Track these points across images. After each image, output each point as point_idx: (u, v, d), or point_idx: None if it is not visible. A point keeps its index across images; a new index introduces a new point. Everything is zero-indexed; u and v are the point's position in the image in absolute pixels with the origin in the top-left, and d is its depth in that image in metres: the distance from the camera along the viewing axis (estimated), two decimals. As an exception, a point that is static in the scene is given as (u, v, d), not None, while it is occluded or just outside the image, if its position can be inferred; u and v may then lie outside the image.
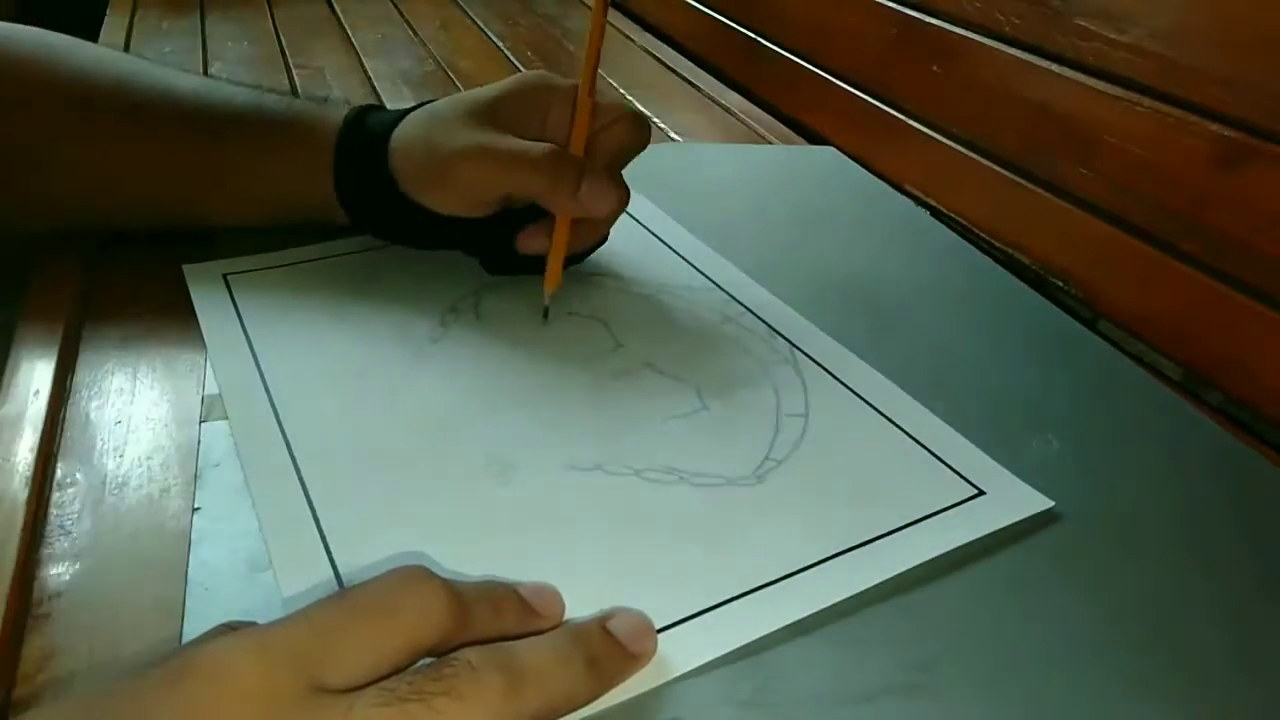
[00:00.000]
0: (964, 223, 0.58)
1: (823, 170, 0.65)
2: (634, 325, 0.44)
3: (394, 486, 0.34)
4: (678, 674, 0.27)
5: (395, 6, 1.02)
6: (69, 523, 0.32)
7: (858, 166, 0.65)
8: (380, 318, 0.43)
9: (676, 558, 0.32)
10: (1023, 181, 0.55)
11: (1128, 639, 0.30)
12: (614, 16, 1.02)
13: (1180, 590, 0.32)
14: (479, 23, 0.98)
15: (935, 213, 0.60)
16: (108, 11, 0.91)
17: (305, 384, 0.38)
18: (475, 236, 0.44)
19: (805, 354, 0.43)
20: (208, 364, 0.39)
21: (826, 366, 0.42)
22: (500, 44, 0.91)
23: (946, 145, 0.61)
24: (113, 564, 0.30)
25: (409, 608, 0.24)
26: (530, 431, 0.37)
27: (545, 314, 0.43)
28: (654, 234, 0.52)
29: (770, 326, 0.45)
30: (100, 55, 0.46)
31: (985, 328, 0.46)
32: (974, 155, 0.59)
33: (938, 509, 0.34)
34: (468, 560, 0.31)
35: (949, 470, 0.36)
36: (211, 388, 0.38)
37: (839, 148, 0.69)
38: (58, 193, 0.45)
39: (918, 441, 0.38)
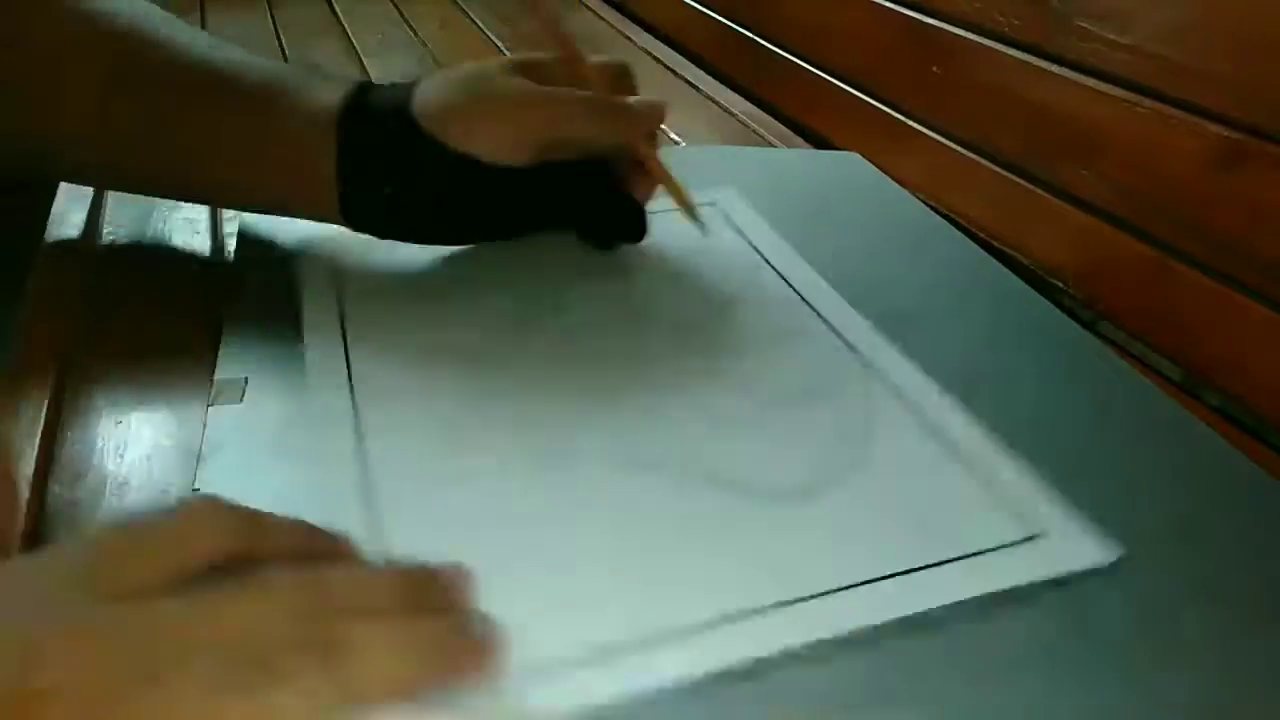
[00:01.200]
0: (964, 223, 0.58)
1: (846, 176, 0.65)
2: (706, 329, 0.44)
3: (455, 463, 0.35)
4: (699, 676, 0.28)
5: (395, 6, 1.02)
6: (69, 523, 0.32)
7: (880, 172, 0.65)
8: (475, 303, 0.43)
9: (710, 564, 0.32)
10: (1023, 182, 0.55)
11: (1119, 644, 0.30)
12: (614, 16, 1.02)
13: (1173, 595, 0.32)
14: (479, 23, 0.98)
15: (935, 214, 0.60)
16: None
17: (387, 361, 0.39)
18: (539, 197, 0.44)
19: (877, 370, 0.42)
20: (221, 349, 0.39)
21: (897, 385, 0.41)
22: (500, 44, 0.91)
23: (946, 146, 0.61)
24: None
25: (198, 527, 0.24)
26: (594, 426, 0.37)
27: (704, 228, 0.45)
28: (743, 234, 0.52)
29: (845, 340, 0.44)
30: (145, 11, 0.43)
31: (1004, 338, 0.46)
32: (974, 156, 0.59)
33: (990, 547, 0.33)
34: (512, 545, 0.31)
35: (1008, 510, 0.34)
36: (223, 372, 0.38)
37: (839, 148, 0.69)
38: (34, 137, 0.42)
39: (974, 471, 0.36)
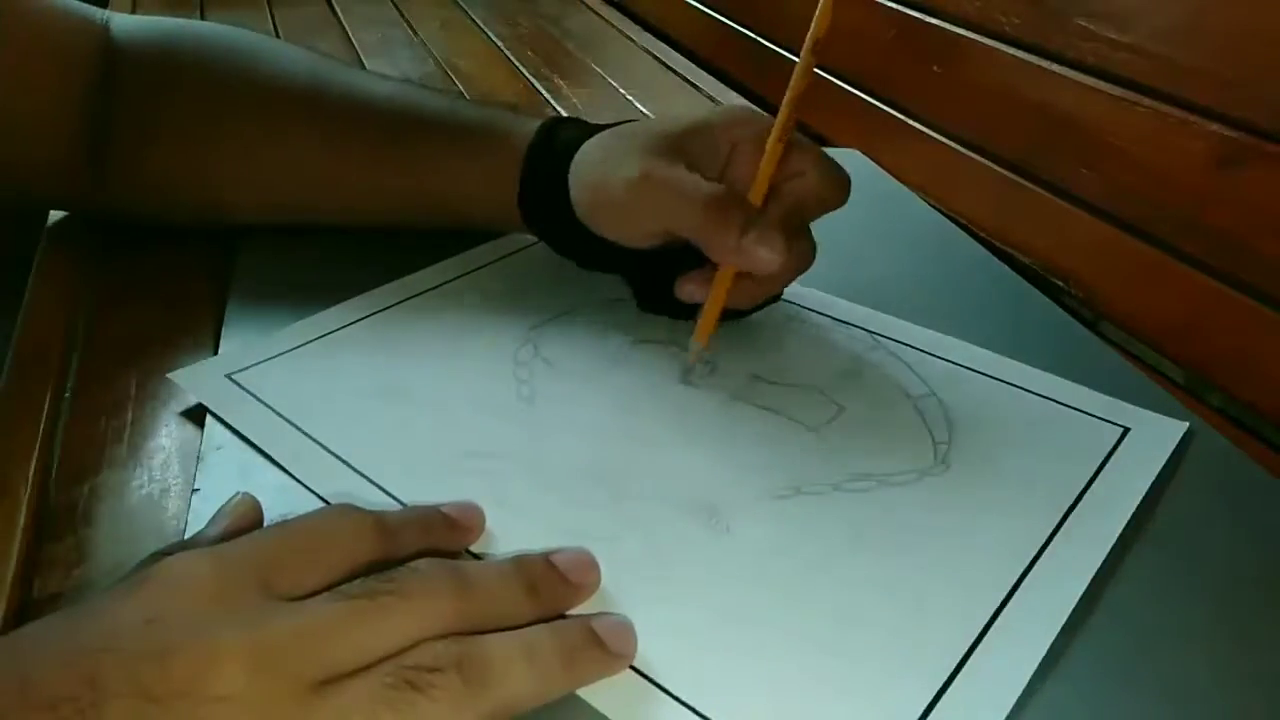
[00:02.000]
0: (964, 222, 0.58)
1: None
2: (712, 341, 0.40)
3: (611, 562, 0.30)
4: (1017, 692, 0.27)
5: (395, 6, 1.02)
6: (69, 523, 0.32)
7: (882, 170, 0.65)
8: (445, 385, 0.39)
9: (928, 567, 0.31)
10: (1023, 182, 0.55)
11: (1119, 642, 0.30)
12: (614, 16, 1.02)
13: (1175, 593, 0.32)
14: (479, 23, 0.98)
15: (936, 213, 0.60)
16: (107, 8, 0.91)
17: (415, 471, 0.34)
18: (638, 267, 0.43)
19: (885, 337, 0.43)
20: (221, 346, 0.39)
21: (912, 344, 0.42)
22: (500, 44, 0.91)
23: (947, 145, 0.61)
24: (113, 564, 0.30)
25: (342, 528, 0.27)
26: (705, 471, 0.35)
27: (688, 373, 0.40)
28: None
29: (834, 318, 0.44)
30: (289, 56, 0.47)
31: (1005, 336, 0.46)
32: (974, 155, 0.59)
33: (1105, 455, 0.36)
34: (722, 617, 0.29)
35: (1090, 417, 0.38)
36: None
37: (839, 148, 0.69)
38: (241, 199, 0.47)
39: (1044, 396, 0.39)
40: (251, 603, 0.24)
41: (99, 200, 0.47)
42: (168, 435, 0.36)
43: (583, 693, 0.26)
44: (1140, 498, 0.34)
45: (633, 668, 0.27)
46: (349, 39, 0.90)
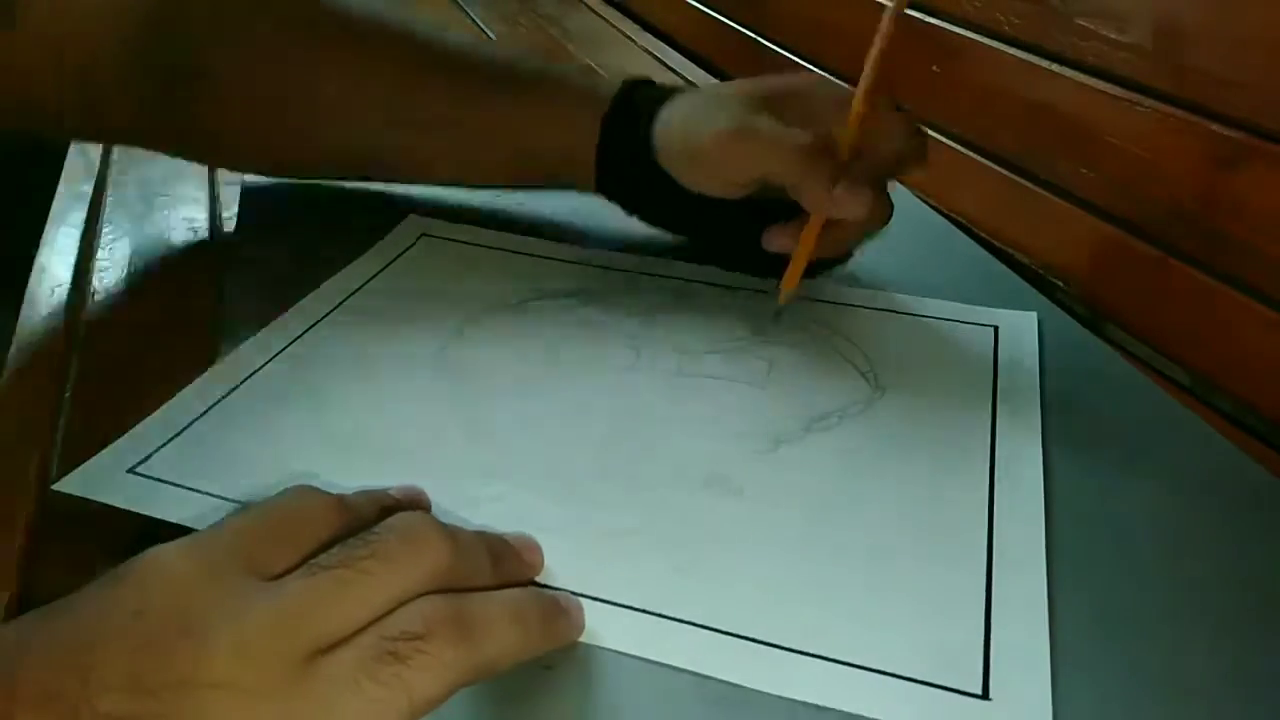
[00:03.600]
0: (964, 221, 0.58)
1: None
2: (623, 326, 0.43)
3: (640, 552, 0.32)
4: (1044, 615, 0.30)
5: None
6: (69, 523, 0.32)
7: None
8: (371, 392, 0.38)
9: (911, 476, 0.35)
10: (1023, 181, 0.55)
11: (1119, 645, 0.30)
12: (614, 16, 1.02)
13: (1176, 596, 0.32)
14: (479, 23, 0.98)
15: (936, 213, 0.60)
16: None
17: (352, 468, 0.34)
18: (724, 222, 0.44)
19: (765, 292, 0.45)
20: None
21: (808, 295, 0.45)
22: (501, 44, 0.91)
23: (946, 145, 0.61)
24: (112, 564, 0.30)
25: (309, 503, 0.27)
26: (693, 441, 0.37)
27: (776, 315, 0.43)
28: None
29: (715, 285, 0.46)
30: (377, 4, 0.47)
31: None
32: (974, 155, 0.59)
33: (991, 352, 0.42)
34: (766, 573, 0.31)
35: (968, 324, 0.44)
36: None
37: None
38: (322, 134, 0.47)
39: (922, 315, 0.45)
40: (236, 587, 0.24)
41: (202, 146, 0.47)
42: (168, 435, 0.36)
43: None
44: (1036, 383, 0.40)
45: (721, 630, 0.29)
46: (349, 39, 0.90)
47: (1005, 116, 0.56)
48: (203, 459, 0.34)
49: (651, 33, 0.97)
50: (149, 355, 0.40)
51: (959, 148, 0.60)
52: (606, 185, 0.46)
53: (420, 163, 0.48)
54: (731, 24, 0.86)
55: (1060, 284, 0.52)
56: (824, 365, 0.41)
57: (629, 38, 0.95)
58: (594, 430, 0.37)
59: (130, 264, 0.47)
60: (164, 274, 0.46)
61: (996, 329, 0.44)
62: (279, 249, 0.47)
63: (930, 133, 0.62)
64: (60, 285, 0.45)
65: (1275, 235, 0.42)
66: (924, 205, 0.60)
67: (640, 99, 0.44)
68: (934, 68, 0.62)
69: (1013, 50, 0.55)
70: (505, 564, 0.28)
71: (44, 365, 0.39)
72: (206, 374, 0.38)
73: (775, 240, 0.41)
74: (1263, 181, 0.42)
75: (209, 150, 0.49)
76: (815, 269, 0.44)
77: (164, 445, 0.34)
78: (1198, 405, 0.43)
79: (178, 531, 0.27)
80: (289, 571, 0.24)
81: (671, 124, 0.42)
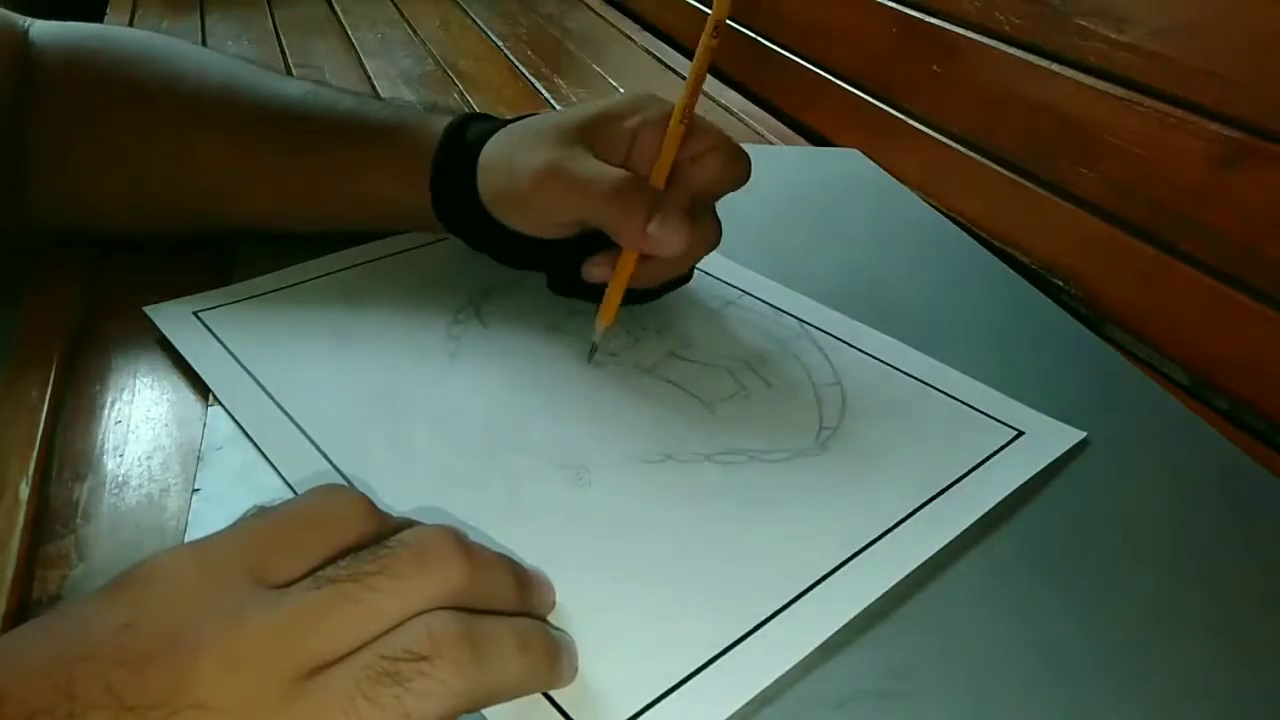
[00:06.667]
0: (964, 221, 0.58)
1: (847, 173, 0.65)
2: (642, 317, 0.44)
3: (472, 509, 0.32)
4: (818, 641, 0.28)
5: (395, 6, 1.02)
6: (69, 522, 0.32)
7: (881, 170, 0.65)
8: (385, 336, 0.41)
9: (769, 533, 0.33)
10: (1023, 181, 0.55)
11: (1119, 647, 0.30)
12: (614, 16, 1.02)
13: (1176, 597, 0.32)
14: (479, 22, 0.98)
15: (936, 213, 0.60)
16: (108, 10, 0.91)
17: (334, 413, 0.36)
18: (562, 255, 0.42)
19: (814, 326, 0.44)
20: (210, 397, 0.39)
21: (837, 335, 0.44)
22: (500, 44, 0.91)
23: (946, 145, 0.61)
24: (113, 564, 0.30)
25: (330, 508, 0.26)
26: (588, 432, 0.37)
27: (591, 352, 0.41)
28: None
29: (772, 305, 0.46)
30: (204, 60, 0.46)
31: (1006, 335, 0.46)
32: (974, 155, 0.59)
33: (989, 453, 0.37)
34: (561, 563, 0.30)
35: (986, 417, 0.39)
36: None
37: (839, 147, 0.69)
38: (152, 196, 0.46)
39: (948, 395, 0.40)
40: (235, 597, 0.23)
41: (18, 211, 0.45)
42: (168, 435, 0.36)
43: None
44: (1006, 493, 0.35)
45: None
46: (349, 39, 0.90)
47: (1005, 116, 0.56)
48: (248, 327, 0.41)
49: (651, 33, 0.97)
50: (151, 350, 0.40)
51: (959, 147, 0.60)
52: (449, 227, 0.44)
53: (269, 215, 0.46)
54: (731, 22, 0.86)
55: (1060, 284, 0.52)
56: (791, 410, 0.39)
57: (629, 38, 0.95)
58: (510, 394, 0.39)
59: (132, 259, 0.47)
60: (165, 272, 0.46)
61: (1019, 434, 0.38)
62: (285, 249, 0.47)
63: (930, 132, 0.62)
64: (61, 284, 0.45)
65: (1275, 235, 0.42)
66: (924, 205, 0.60)
67: (472, 135, 0.42)
68: (934, 67, 0.62)
69: (1013, 50, 0.55)
70: (531, 594, 0.28)
71: (44, 364, 0.39)
72: (283, 271, 0.45)
73: (592, 272, 0.40)
74: (1262, 181, 0.42)
75: (52, 223, 0.47)
76: (646, 295, 0.43)
77: (228, 304, 0.42)
78: (1198, 405, 0.43)
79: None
80: (295, 581, 0.23)
81: (494, 165, 0.40)
